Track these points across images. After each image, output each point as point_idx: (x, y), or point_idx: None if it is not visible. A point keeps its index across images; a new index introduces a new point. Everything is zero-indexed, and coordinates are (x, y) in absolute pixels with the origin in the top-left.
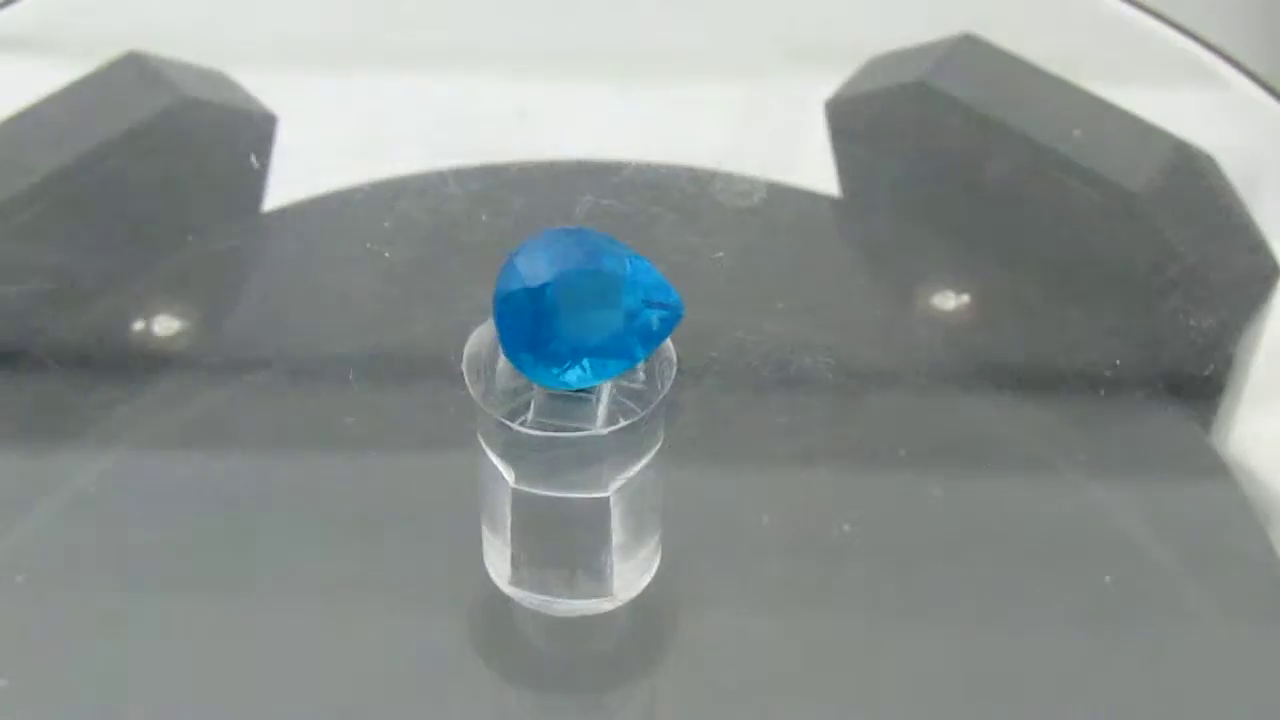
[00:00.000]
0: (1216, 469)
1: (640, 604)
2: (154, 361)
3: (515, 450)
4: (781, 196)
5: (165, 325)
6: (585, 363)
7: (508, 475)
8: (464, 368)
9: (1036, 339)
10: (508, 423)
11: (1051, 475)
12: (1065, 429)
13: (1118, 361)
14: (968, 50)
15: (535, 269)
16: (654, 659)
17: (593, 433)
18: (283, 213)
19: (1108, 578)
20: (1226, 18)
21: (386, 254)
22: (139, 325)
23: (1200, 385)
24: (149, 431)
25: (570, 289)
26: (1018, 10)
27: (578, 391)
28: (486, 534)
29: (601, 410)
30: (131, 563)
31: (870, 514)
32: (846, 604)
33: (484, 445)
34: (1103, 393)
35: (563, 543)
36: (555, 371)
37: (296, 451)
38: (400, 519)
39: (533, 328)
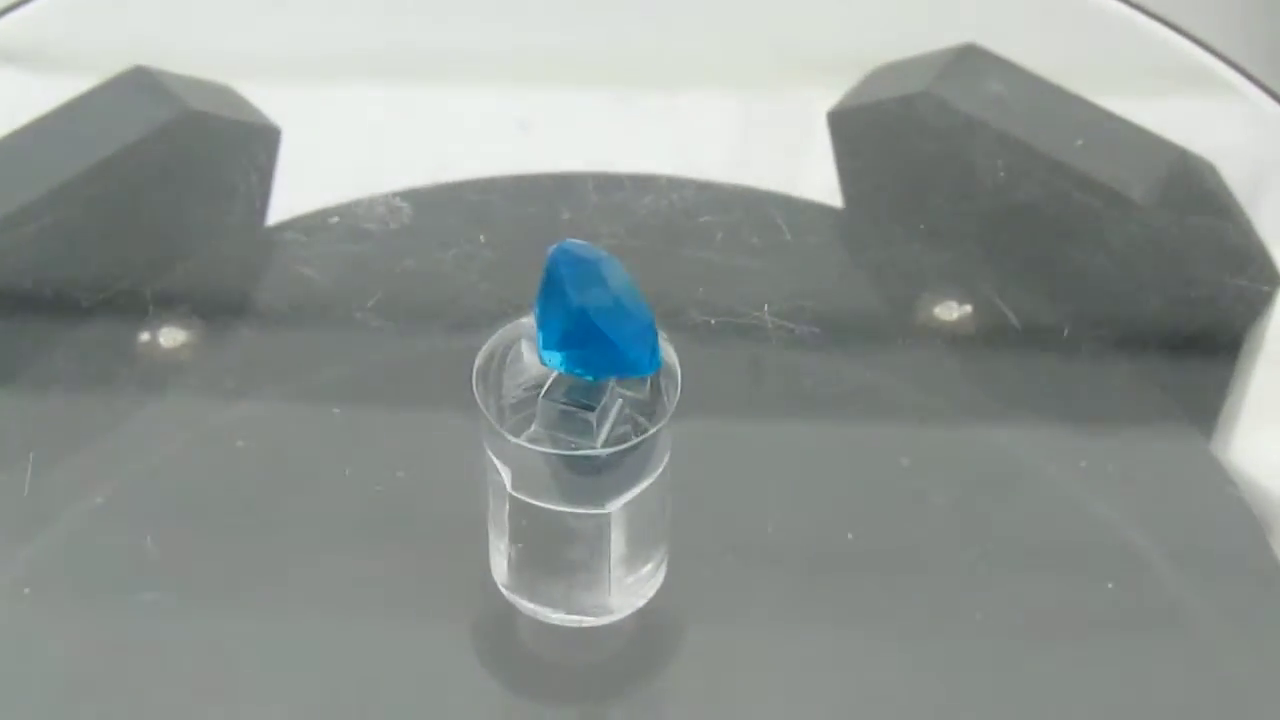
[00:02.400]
0: (1217, 477)
1: (644, 613)
2: (160, 372)
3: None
4: (784, 206)
5: (171, 336)
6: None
7: (602, 508)
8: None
9: (1038, 348)
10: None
11: (1052, 483)
12: (1066, 437)
13: (1119, 370)
14: (970, 60)
15: (598, 295)
16: (658, 668)
17: (662, 424)
18: (287, 225)
19: (1110, 584)
20: (1231, 24)
21: (405, 264)
22: (145, 336)
23: (1201, 393)
24: (155, 441)
25: (617, 292)
26: (1020, 20)
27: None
28: (572, 593)
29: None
30: (139, 571)
31: (874, 523)
32: (850, 612)
33: (557, 506)
34: (1104, 401)
35: (654, 532)
36: (653, 356)
37: (302, 462)
38: (406, 529)
39: (630, 340)
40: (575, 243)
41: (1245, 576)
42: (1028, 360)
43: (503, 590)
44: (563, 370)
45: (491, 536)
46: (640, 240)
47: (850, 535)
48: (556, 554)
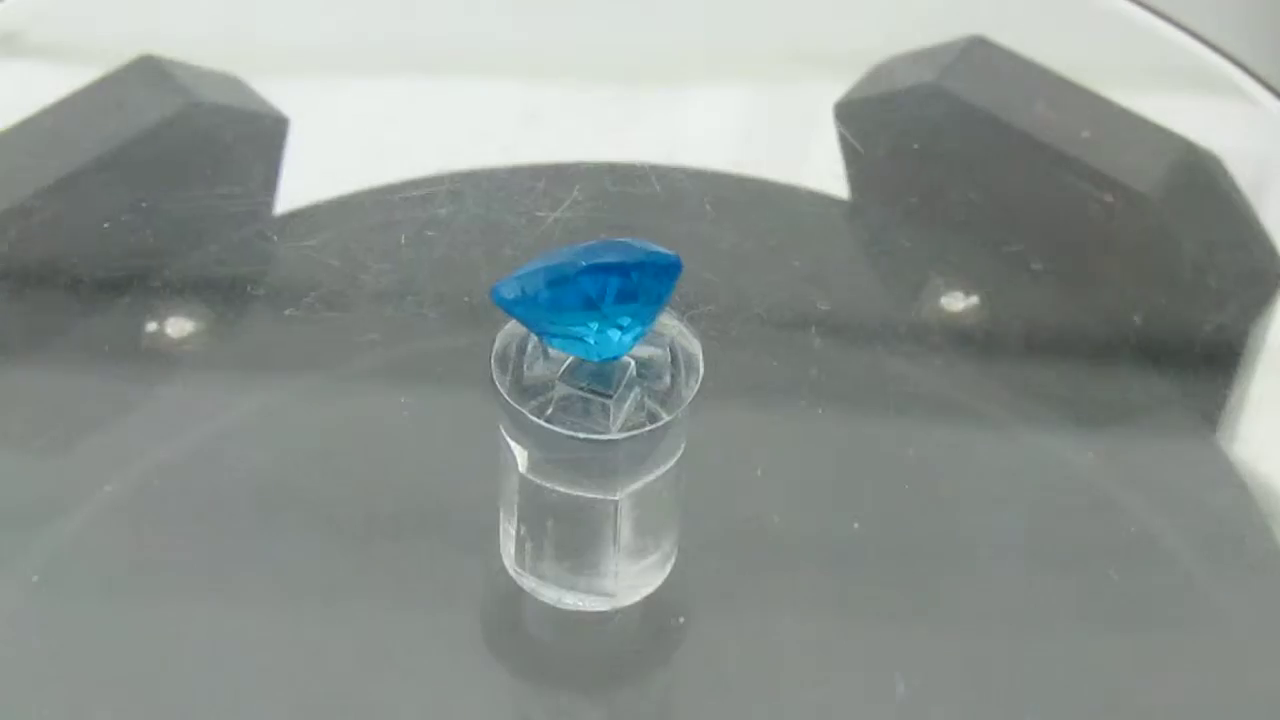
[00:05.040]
0: (1223, 468)
1: (651, 602)
2: (168, 362)
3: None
4: (790, 197)
5: (179, 326)
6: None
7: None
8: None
9: (1044, 339)
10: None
11: (1058, 474)
12: (1071, 428)
13: (1125, 361)
14: (977, 52)
15: (610, 249)
16: (664, 656)
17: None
18: (295, 215)
19: (1114, 575)
20: (1234, 23)
21: (415, 253)
22: (153, 326)
23: (1207, 384)
24: (163, 431)
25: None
26: (1026, 14)
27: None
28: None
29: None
30: (147, 560)
31: (879, 512)
32: (856, 601)
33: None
34: (1110, 393)
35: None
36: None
37: (311, 452)
38: (416, 519)
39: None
40: (508, 280)
41: (1250, 568)
42: (1033, 351)
43: (607, 609)
44: (640, 335)
45: (567, 575)
46: (646, 231)
47: (856, 525)
48: (659, 527)
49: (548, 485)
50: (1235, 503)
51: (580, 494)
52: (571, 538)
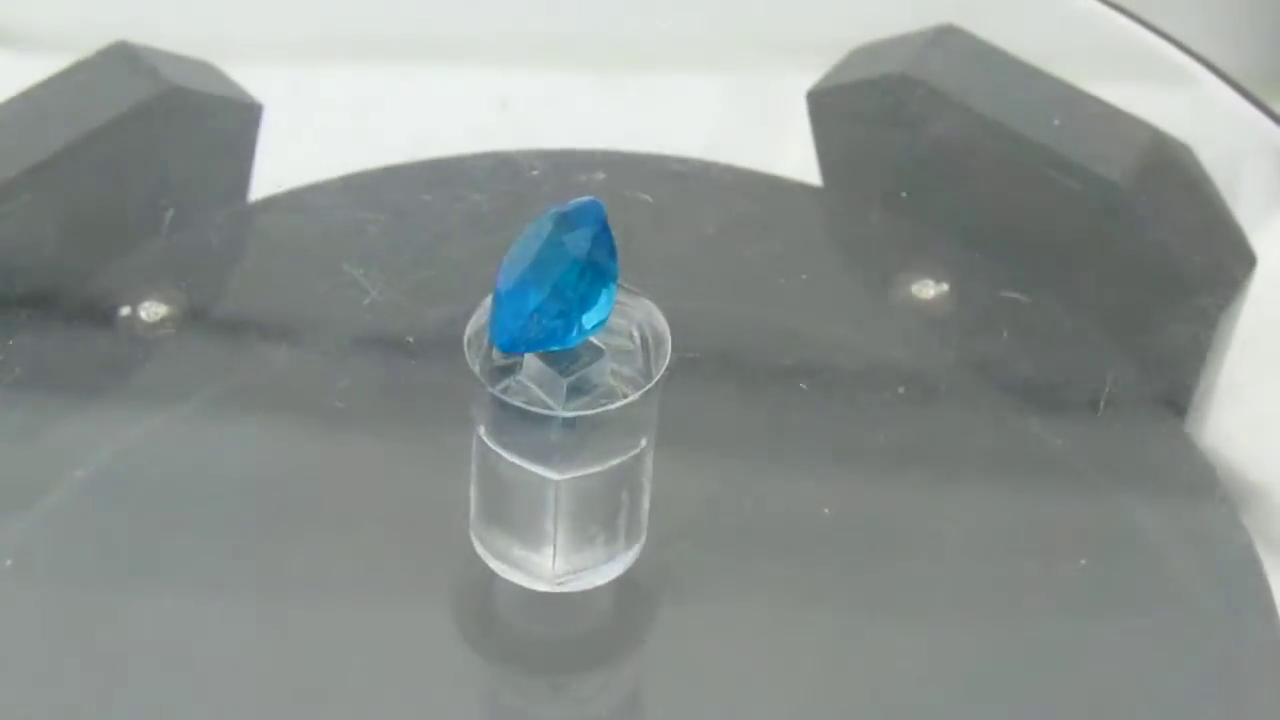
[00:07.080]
0: (1191, 456)
1: (623, 587)
2: (141, 347)
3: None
4: (763, 184)
5: (151, 311)
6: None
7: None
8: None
9: (1014, 327)
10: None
11: (1026, 461)
12: (1039, 415)
13: (1093, 349)
14: (948, 41)
15: (563, 245)
16: (637, 642)
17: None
18: (269, 201)
19: (1082, 561)
20: (1199, 18)
21: (391, 239)
22: (125, 311)
23: (1175, 372)
24: (136, 417)
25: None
26: (998, 3)
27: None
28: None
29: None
30: (119, 548)
31: (851, 500)
32: (826, 588)
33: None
34: (1077, 380)
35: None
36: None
37: (286, 439)
38: (388, 505)
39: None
40: (501, 325)
41: (1217, 554)
42: (1003, 338)
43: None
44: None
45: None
46: (618, 218)
47: (826, 510)
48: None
49: (586, 472)
50: (1203, 488)
51: (614, 462)
52: (619, 506)
